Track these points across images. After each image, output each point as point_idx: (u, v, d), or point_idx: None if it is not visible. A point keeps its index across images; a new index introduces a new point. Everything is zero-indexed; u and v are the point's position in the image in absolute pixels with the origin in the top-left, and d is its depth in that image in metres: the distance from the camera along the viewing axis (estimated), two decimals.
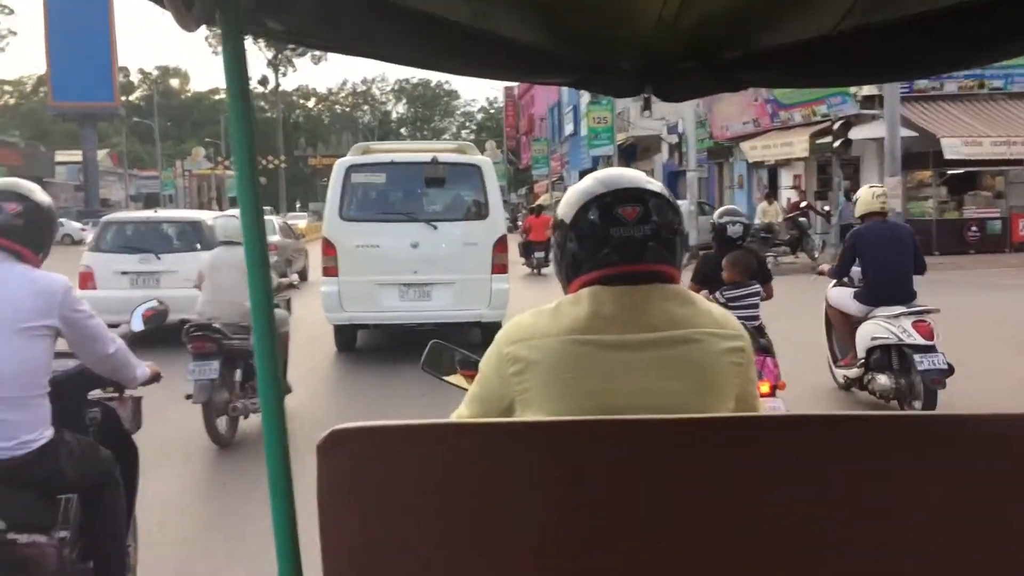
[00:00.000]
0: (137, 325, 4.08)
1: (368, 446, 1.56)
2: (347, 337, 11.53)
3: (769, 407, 5.36)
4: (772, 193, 27.72)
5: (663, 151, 42.20)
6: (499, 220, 11.17)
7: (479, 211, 11.16)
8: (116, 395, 3.82)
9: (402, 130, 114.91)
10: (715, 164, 35.44)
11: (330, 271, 10.82)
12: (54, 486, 3.31)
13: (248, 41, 1.79)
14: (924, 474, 1.47)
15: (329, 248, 10.84)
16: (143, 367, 3.65)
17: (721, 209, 7.40)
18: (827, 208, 25.12)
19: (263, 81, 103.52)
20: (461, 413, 2.06)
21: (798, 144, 25.91)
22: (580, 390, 1.85)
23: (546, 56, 2.28)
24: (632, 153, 45.12)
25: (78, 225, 48.89)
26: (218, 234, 8.25)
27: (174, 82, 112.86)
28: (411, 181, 11.35)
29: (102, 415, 3.70)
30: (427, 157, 11.16)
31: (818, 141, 23.91)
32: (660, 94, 2.47)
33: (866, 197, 8.06)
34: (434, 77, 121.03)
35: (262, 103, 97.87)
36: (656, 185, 2.02)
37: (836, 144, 22.17)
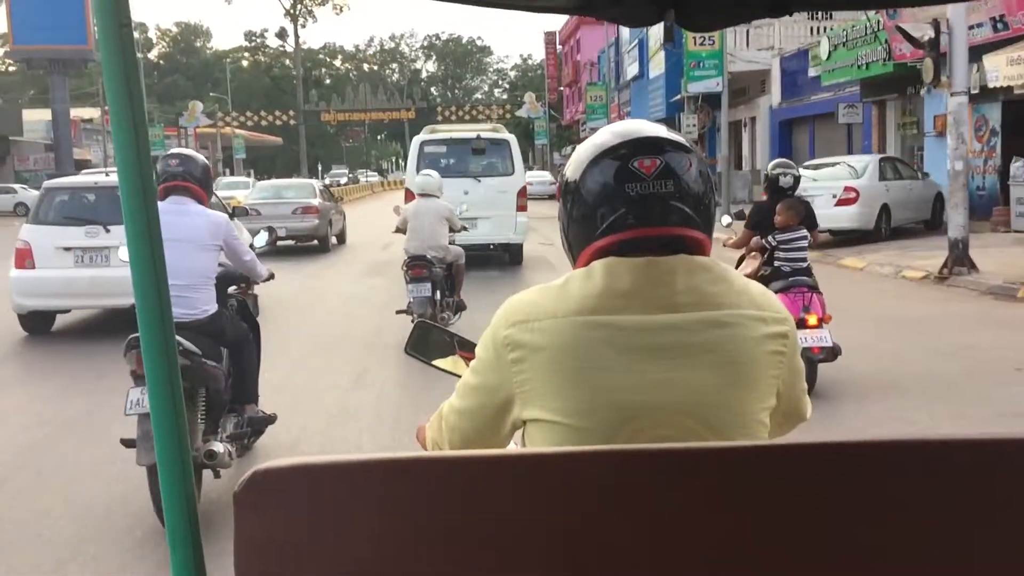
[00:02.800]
0: (259, 243, 6.11)
1: (299, 489, 1.23)
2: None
3: (817, 337, 6.57)
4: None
5: (773, 91, 30.07)
6: (521, 175, 16.25)
7: (507, 170, 16.12)
8: (244, 289, 5.68)
9: (432, 89, 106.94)
10: (871, 102, 23.36)
11: None
12: (219, 338, 5.09)
13: None
14: (953, 504, 1.25)
15: (409, 196, 13.52)
16: (265, 269, 5.65)
17: (775, 161, 7.82)
18: None
19: (281, 34, 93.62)
20: (453, 404, 1.69)
21: None
22: (591, 383, 1.49)
23: None
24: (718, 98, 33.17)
25: (37, 193, 37.58)
26: (416, 189, 10.01)
27: (197, 42, 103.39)
28: (462, 151, 16.39)
29: (238, 303, 5.64)
30: (473, 135, 16.67)
31: None
32: (684, 21, 1.87)
33: None
34: (465, 32, 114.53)
35: (285, 61, 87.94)
36: (681, 138, 1.60)
37: None
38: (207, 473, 4.90)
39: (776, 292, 5.92)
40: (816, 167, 18.89)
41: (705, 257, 1.58)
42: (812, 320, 6.62)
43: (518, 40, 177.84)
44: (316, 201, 20.64)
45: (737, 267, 7.22)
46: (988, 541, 1.24)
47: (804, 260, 6.94)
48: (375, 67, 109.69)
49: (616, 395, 1.49)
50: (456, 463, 1.28)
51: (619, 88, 44.67)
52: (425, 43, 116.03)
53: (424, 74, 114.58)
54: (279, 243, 15.90)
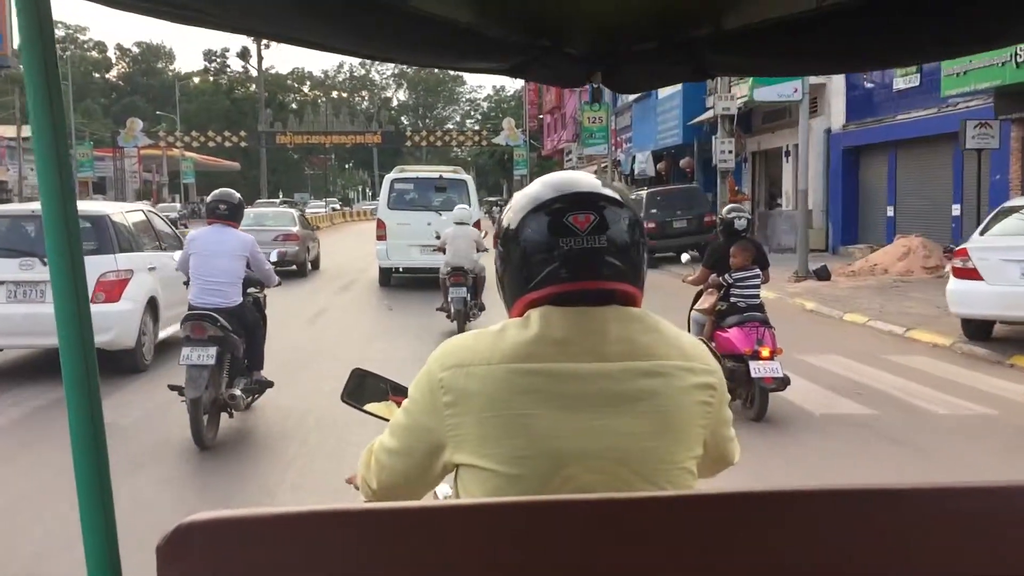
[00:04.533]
0: (272, 258, 7.93)
1: (225, 543, 1.17)
2: (386, 276, 18.15)
3: (769, 368, 6.84)
4: None
5: (832, 110, 22.97)
6: (476, 210, 16.74)
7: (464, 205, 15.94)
8: (259, 290, 7.61)
9: (403, 118, 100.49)
10: (1010, 120, 16.25)
11: (380, 238, 17.74)
12: (241, 321, 6.99)
13: None
14: (893, 551, 1.25)
15: (381, 224, 17.81)
16: (276, 278, 7.62)
17: (728, 207, 8.09)
18: None
19: (243, 54, 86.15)
20: (384, 443, 1.65)
21: None
22: (523, 429, 1.46)
23: (479, 38, 1.88)
24: (749, 121, 26.05)
25: None
26: (454, 219, 12.92)
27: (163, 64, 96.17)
28: (427, 188, 18.34)
29: (254, 299, 7.45)
30: (436, 175, 18.76)
31: None
32: (610, 83, 2.08)
33: None
34: None
35: (250, 86, 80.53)
36: (616, 192, 1.59)
37: None
38: (222, 416, 7.03)
39: (731, 327, 7.11)
40: None
41: (637, 309, 1.57)
42: (765, 352, 6.87)
43: None
44: (296, 229, 21.03)
45: (695, 302, 7.73)
46: None
47: (757, 297, 7.32)
48: (344, 94, 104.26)
49: (548, 443, 1.46)
50: (385, 515, 1.24)
51: (616, 112, 37.46)
52: (396, 71, 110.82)
53: (395, 103, 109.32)
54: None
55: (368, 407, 2.16)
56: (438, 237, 13.24)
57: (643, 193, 23.52)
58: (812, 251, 23.79)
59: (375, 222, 18.40)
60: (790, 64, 2.69)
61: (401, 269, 18.10)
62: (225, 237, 6.99)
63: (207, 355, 6.50)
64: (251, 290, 7.35)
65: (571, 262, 1.52)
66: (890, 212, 21.24)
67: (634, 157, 35.50)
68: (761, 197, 28.72)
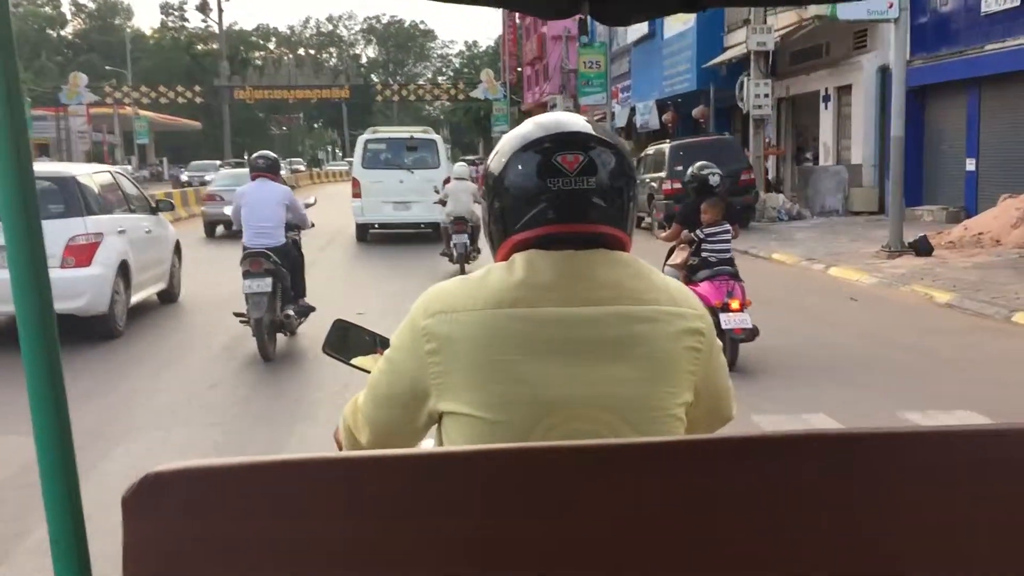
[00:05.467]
0: (310, 200, 9.40)
1: (192, 493, 1.12)
2: (363, 231, 18.86)
3: (739, 319, 6.91)
4: None
5: (891, 44, 18.80)
6: (445, 168, 17.91)
7: (435, 164, 18.32)
8: (296, 234, 8.61)
9: (373, 75, 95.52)
10: None
11: (356, 196, 18.34)
12: (285, 257, 8.12)
13: None
14: (887, 495, 1.21)
15: (356, 183, 18.43)
16: (311, 222, 8.86)
17: (699, 164, 7.94)
18: None
19: (202, 6, 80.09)
20: (368, 395, 1.58)
21: None
22: (508, 375, 1.41)
23: None
24: (773, 63, 21.82)
25: None
26: (453, 174, 14.76)
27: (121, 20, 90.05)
28: (399, 148, 18.84)
29: (293, 240, 8.48)
30: (407, 136, 19.24)
31: None
32: (599, 14, 1.88)
33: None
34: (407, 16, 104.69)
35: (212, 43, 75.01)
36: (607, 133, 1.54)
37: None
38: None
39: (702, 280, 7.14)
40: None
41: (625, 253, 1.53)
42: (735, 304, 6.98)
43: (465, 25, 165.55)
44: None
45: (668, 258, 7.74)
46: (883, 531, 1.20)
47: (728, 251, 7.38)
48: (311, 51, 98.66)
49: (533, 389, 1.42)
50: (359, 463, 1.18)
51: (612, 57, 32.98)
52: (365, 26, 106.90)
53: (364, 59, 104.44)
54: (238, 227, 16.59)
55: (354, 361, 2.07)
56: (437, 191, 14.82)
57: (665, 147, 19.29)
58: (857, 213, 19.79)
59: (351, 182, 19.12)
60: None
61: (377, 225, 18.90)
62: (268, 188, 8.20)
63: (264, 284, 7.79)
64: (290, 233, 8.39)
65: (559, 203, 1.46)
66: (970, 166, 17.18)
67: (634, 108, 31.17)
68: (788, 151, 24.62)
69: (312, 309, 8.57)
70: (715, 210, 7.30)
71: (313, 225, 9.00)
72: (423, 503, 1.13)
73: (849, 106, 20.82)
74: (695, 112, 25.93)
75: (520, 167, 1.48)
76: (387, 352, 1.54)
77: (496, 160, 1.53)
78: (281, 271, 7.98)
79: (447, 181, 16.23)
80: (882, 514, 1.19)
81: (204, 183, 33.88)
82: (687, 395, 1.48)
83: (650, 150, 20.59)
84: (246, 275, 7.79)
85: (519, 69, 57.13)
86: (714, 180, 7.53)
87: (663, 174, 18.50)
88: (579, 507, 1.16)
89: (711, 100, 24.88)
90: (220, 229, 20.12)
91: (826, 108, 21.61)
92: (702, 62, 24.28)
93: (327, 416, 5.82)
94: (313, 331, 8.24)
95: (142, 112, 51.43)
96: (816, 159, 22.53)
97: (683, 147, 18.72)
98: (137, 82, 53.55)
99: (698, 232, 7.31)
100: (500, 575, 1.15)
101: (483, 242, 13.36)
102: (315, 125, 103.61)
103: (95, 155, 51.59)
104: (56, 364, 1.22)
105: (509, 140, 1.53)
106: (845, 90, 20.88)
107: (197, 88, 47.21)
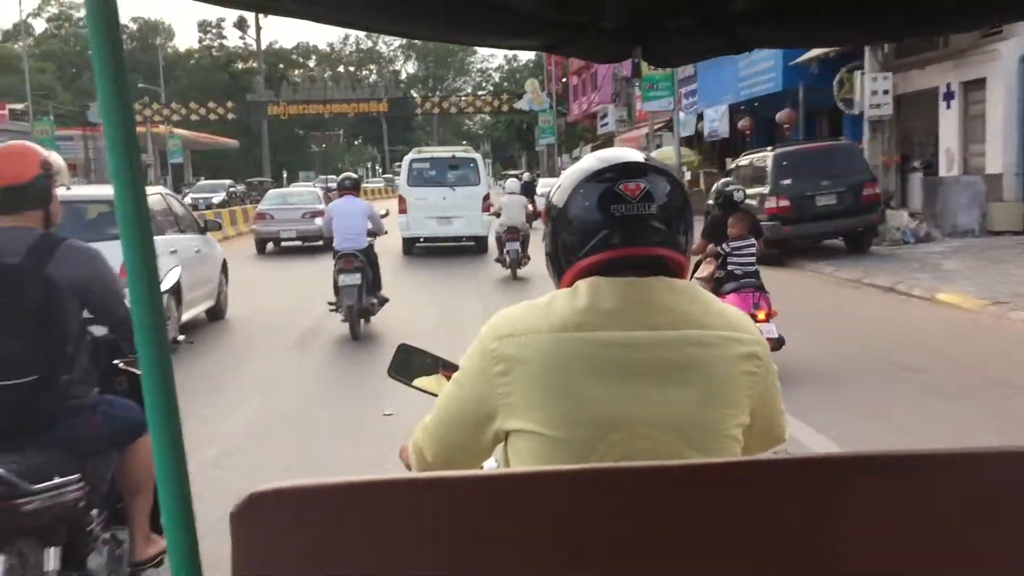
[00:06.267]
0: (381, 212, 10.53)
1: (293, 511, 1.22)
2: (409, 245, 19.49)
3: (765, 329, 6.49)
4: None
5: None
6: (485, 186, 19.78)
7: (476, 182, 19.47)
8: (374, 238, 10.14)
9: (412, 91, 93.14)
10: None
11: (402, 211, 19.02)
12: (368, 256, 9.89)
13: None
14: (948, 517, 1.22)
15: (402, 200, 19.31)
16: (386, 229, 10.62)
17: (724, 180, 8.98)
18: None
19: (240, 23, 78.20)
20: (436, 416, 1.66)
21: None
22: (572, 395, 1.48)
23: (512, 14, 1.76)
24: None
25: None
26: (505, 189, 16.78)
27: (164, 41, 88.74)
28: (442, 166, 19.84)
29: (370, 245, 10.04)
30: (449, 155, 20.65)
31: None
32: (651, 58, 2.05)
33: None
34: None
35: (251, 61, 72.76)
36: (663, 164, 1.67)
37: None
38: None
39: (728, 292, 7.15)
40: None
41: (684, 280, 1.58)
42: (761, 315, 6.98)
43: None
44: (321, 206, 21.30)
45: (694, 271, 7.70)
46: (963, 550, 1.21)
47: (753, 265, 7.46)
48: (351, 68, 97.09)
49: (596, 409, 1.47)
50: (441, 483, 1.25)
51: None
52: (404, 42, 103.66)
53: (404, 75, 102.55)
54: (288, 243, 20.98)
55: (416, 382, 2.13)
56: (490, 210, 17.71)
57: (766, 156, 15.67)
58: (998, 233, 16.14)
59: (393, 198, 19.91)
60: (829, 35, 2.63)
61: (422, 239, 19.61)
62: (353, 202, 10.13)
63: (355, 278, 9.58)
64: (369, 239, 10.03)
65: (623, 227, 1.53)
66: None
67: (701, 114, 27.67)
68: (896, 151, 20.92)
69: (387, 300, 10.38)
70: (741, 224, 7.49)
71: (387, 232, 10.96)
72: (498, 521, 1.18)
73: (980, 104, 17.15)
74: (779, 116, 22.37)
75: (584, 197, 1.56)
76: (456, 375, 1.60)
77: (559, 194, 1.61)
78: (366, 268, 9.72)
79: (486, 198, 19.18)
80: (929, 538, 1.19)
81: (210, 206, 33.24)
82: (744, 417, 1.52)
83: (743, 161, 16.92)
84: (340, 272, 9.62)
85: (564, 80, 53.84)
86: (738, 196, 7.94)
87: (765, 189, 14.93)
88: (643, 525, 1.19)
89: (800, 101, 21.31)
90: (270, 246, 21.83)
91: (948, 107, 17.95)
92: (790, 59, 20.74)
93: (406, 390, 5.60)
94: (383, 319, 10.51)
95: (176, 131, 48.90)
96: (929, 167, 18.89)
97: (790, 156, 15.19)
98: (172, 100, 51.07)
99: (724, 246, 7.46)
100: None
101: (532, 250, 14.65)
102: (355, 142, 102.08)
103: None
104: (170, 379, 1.26)
105: (570, 175, 1.62)
106: (974, 85, 17.22)
107: (229, 104, 44.40)
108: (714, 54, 2.09)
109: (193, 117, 43.23)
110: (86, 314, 3.15)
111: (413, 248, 19.48)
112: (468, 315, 10.79)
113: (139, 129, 48.34)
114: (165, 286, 3.96)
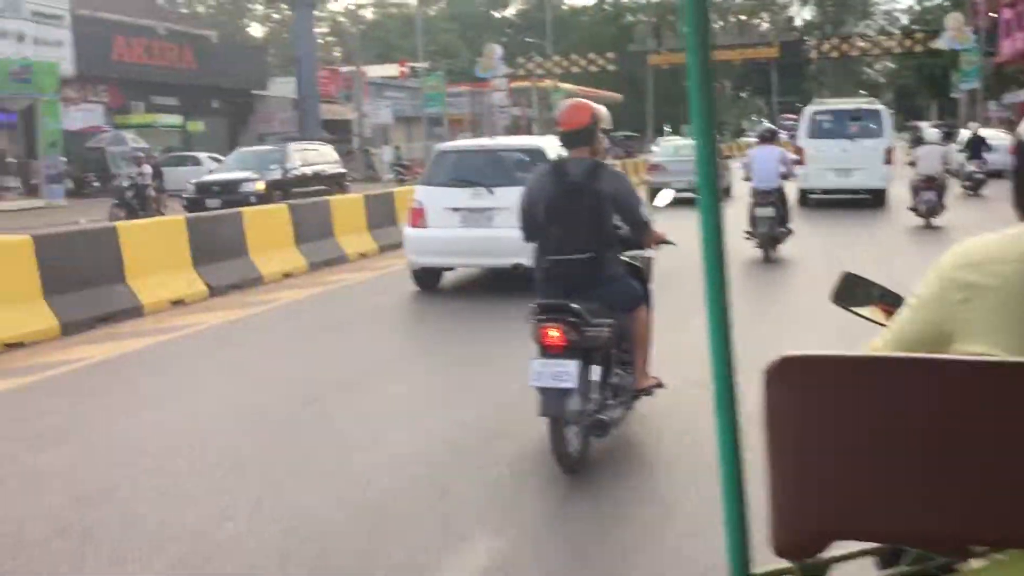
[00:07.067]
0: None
1: (814, 376, 1.37)
2: (805, 197, 19.44)
3: None
4: None
5: None
6: (888, 138, 19.56)
7: (879, 134, 19.44)
8: (784, 180, 12.40)
9: (806, 38, 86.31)
10: None
11: (800, 163, 18.27)
12: (779, 197, 12.36)
13: None
14: None
15: (800, 151, 19.37)
16: (796, 174, 15.38)
17: None
18: None
19: None
20: (888, 338, 1.71)
21: None
22: None
23: None
24: None
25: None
26: (925, 139, 18.00)
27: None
28: (843, 118, 19.88)
29: (781, 186, 12.45)
30: (853, 106, 20.71)
31: None
32: None
33: None
34: None
35: (641, 14, 71.62)
36: None
37: None
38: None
39: None
40: None
41: None
42: None
43: None
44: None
45: None
46: None
47: None
48: (743, 17, 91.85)
49: None
50: (967, 366, 1.32)
51: None
52: None
53: (798, 22, 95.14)
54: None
55: (858, 309, 2.22)
56: (892, 163, 18.90)
57: None
58: None
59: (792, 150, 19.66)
60: None
61: (819, 191, 19.37)
62: (768, 149, 12.18)
63: (768, 211, 11.64)
64: (781, 181, 11.98)
65: None
66: None
67: None
68: None
69: (791, 232, 12.30)
70: None
71: (796, 176, 13.91)
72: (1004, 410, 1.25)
73: None
74: None
75: None
76: (911, 300, 1.65)
77: None
78: (778, 203, 11.84)
79: (890, 150, 19.04)
80: None
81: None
82: None
83: None
84: (756, 205, 11.87)
85: (994, 14, 45.26)
86: None
87: None
88: None
89: None
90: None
91: None
92: None
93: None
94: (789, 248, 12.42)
95: (562, 85, 48.61)
96: None
97: None
98: (545, 48, 50.82)
99: None
100: None
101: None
102: (741, 95, 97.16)
103: (513, 130, 49.95)
104: (723, 265, 1.41)
105: None
106: None
107: (609, 55, 42.90)
108: None
109: (574, 69, 42.50)
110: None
111: (808, 200, 19.54)
112: (868, 256, 11.88)
113: (524, 83, 48.87)
114: (660, 204, 6.03)
